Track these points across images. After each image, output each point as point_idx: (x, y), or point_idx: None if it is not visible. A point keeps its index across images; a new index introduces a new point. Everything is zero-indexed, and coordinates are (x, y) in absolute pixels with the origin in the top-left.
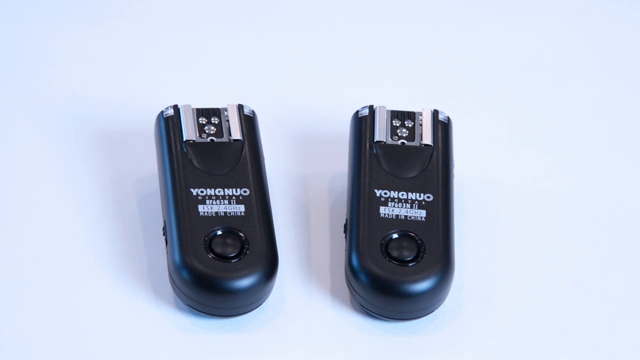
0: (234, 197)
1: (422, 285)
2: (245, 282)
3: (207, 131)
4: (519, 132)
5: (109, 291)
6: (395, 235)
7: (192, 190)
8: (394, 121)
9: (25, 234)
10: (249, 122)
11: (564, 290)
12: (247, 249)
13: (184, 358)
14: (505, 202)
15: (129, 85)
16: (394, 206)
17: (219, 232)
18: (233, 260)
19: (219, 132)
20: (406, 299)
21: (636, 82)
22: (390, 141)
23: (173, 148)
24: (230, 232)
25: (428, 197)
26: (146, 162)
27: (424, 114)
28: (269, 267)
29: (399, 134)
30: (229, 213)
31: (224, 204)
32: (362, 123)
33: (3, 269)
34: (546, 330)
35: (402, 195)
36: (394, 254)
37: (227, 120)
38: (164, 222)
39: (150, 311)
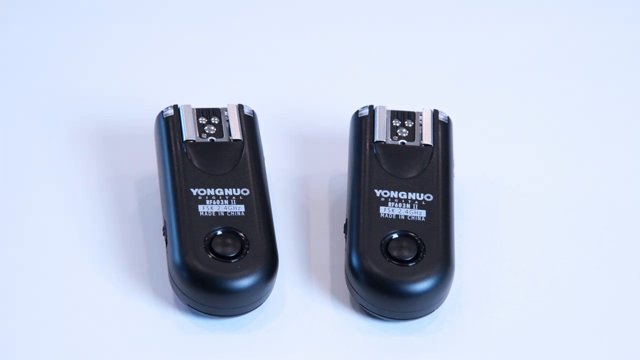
0: (234, 197)
1: (422, 285)
2: (245, 282)
3: (207, 131)
4: (519, 132)
5: (109, 291)
6: (395, 235)
7: (192, 190)
8: (394, 121)
9: (25, 234)
10: (249, 122)
11: (564, 290)
12: (247, 249)
13: (184, 358)
14: (505, 202)
15: (129, 85)
16: (394, 206)
17: (219, 232)
18: (233, 260)
19: (219, 132)
20: (406, 299)
21: (636, 82)
22: (390, 141)
23: (173, 148)
24: (230, 232)
25: (428, 197)
26: (146, 162)
27: (424, 114)
28: (269, 267)
29: (399, 134)
30: (229, 213)
31: (224, 204)
32: (362, 123)
33: (2, 268)
34: (546, 330)
35: (402, 195)
36: (394, 254)
37: (227, 120)
38: (164, 222)
39: (150, 311)
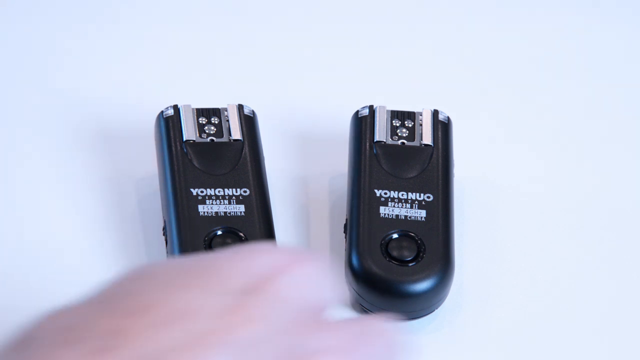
0: (234, 197)
1: (422, 285)
2: None
3: (207, 131)
4: (519, 132)
5: None
6: (395, 235)
7: (192, 190)
8: (394, 121)
9: (25, 234)
10: (249, 122)
11: (565, 290)
12: None
13: None
14: (505, 202)
15: (129, 85)
16: (394, 206)
17: (219, 232)
18: None
19: (219, 132)
20: (406, 299)
21: (634, 82)
22: (390, 141)
23: (173, 148)
24: (230, 232)
25: (428, 197)
26: (146, 162)
27: (424, 114)
28: None
29: (399, 134)
30: (229, 213)
31: (224, 204)
32: (362, 123)
33: (3, 268)
34: (546, 330)
35: (402, 195)
36: (394, 254)
37: (227, 120)
38: (164, 222)
39: None
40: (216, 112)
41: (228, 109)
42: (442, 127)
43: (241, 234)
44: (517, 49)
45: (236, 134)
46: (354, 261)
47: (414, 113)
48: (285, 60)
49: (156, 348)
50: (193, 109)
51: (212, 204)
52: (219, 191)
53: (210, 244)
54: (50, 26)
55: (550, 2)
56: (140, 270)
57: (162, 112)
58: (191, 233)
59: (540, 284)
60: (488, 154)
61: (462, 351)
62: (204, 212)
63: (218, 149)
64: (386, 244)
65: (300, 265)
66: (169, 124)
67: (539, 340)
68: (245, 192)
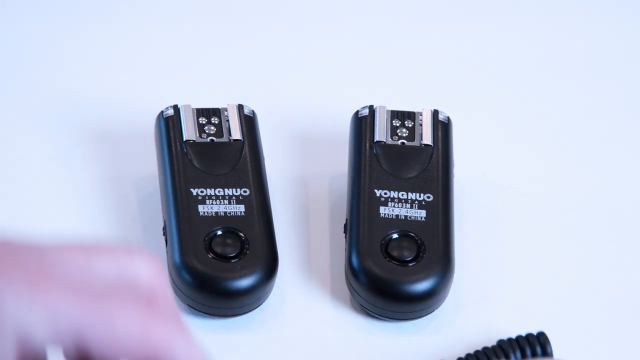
0: (234, 197)
1: (422, 285)
2: (245, 282)
3: (207, 131)
4: (519, 132)
5: None
6: (395, 235)
7: (192, 190)
8: (394, 121)
9: (24, 234)
10: (249, 122)
11: (565, 290)
12: (247, 249)
13: None
14: (506, 202)
15: (129, 85)
16: (394, 206)
17: (219, 232)
18: (233, 260)
19: (219, 132)
20: (406, 299)
21: (634, 82)
22: (390, 141)
23: (173, 148)
24: (230, 232)
25: (428, 197)
26: (146, 162)
27: (424, 114)
28: (269, 267)
29: (399, 134)
30: (229, 213)
31: (224, 204)
32: (362, 123)
33: None
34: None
35: (402, 195)
36: (394, 254)
37: (227, 120)
38: (164, 222)
39: None
40: (216, 112)
41: (228, 109)
42: (442, 127)
43: (241, 234)
44: (517, 49)
45: (236, 134)
46: (354, 261)
47: (414, 113)
48: (285, 60)
49: None
50: (193, 109)
51: (212, 204)
52: (219, 191)
53: (210, 244)
54: (50, 26)
55: (550, 2)
56: None
57: (162, 112)
58: (191, 233)
59: (540, 284)
60: (488, 154)
61: (462, 351)
62: (204, 212)
63: (218, 149)
64: (386, 244)
65: None
66: (169, 124)
67: None
68: (245, 192)
